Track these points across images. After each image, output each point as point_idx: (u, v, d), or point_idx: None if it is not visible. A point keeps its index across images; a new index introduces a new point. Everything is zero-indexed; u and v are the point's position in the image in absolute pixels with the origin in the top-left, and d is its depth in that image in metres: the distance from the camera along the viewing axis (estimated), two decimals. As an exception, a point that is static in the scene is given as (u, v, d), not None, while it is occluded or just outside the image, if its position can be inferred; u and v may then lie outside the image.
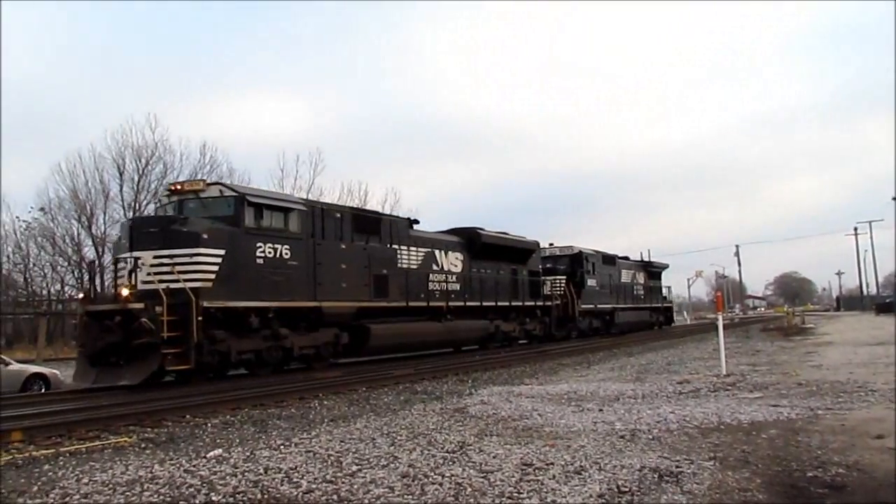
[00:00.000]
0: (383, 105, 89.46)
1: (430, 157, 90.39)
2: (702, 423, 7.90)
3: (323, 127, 77.60)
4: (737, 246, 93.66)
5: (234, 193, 15.41)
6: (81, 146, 51.00)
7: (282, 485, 5.54)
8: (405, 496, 5.10)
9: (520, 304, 25.81)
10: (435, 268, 21.86)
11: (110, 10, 78.33)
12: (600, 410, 9.19)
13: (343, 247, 17.66)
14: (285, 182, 45.63)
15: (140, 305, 13.48)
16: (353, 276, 17.79)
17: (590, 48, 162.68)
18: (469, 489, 5.20)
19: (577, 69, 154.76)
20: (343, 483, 5.51)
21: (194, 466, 6.38)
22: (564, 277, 30.48)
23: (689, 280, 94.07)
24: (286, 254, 15.87)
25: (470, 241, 23.94)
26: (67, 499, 5.37)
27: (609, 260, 35.45)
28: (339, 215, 18.31)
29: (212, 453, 6.99)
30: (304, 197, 21.40)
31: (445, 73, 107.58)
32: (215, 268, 14.33)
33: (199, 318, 13.81)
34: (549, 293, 29.00)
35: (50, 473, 6.35)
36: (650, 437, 7.14)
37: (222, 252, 14.45)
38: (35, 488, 5.73)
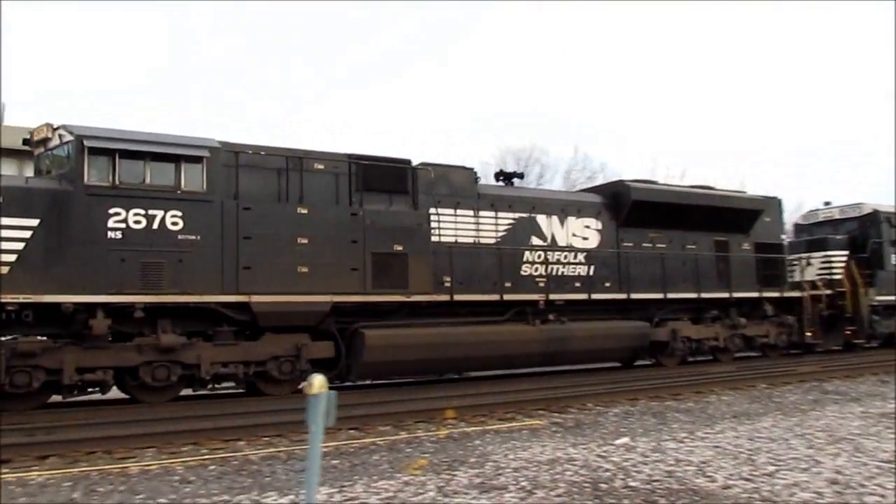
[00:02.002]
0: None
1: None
2: None
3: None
4: None
5: (69, 137, 10.63)
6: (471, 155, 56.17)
7: (696, 477, 5.64)
8: (838, 504, 5.13)
9: (725, 295, 16.46)
10: (537, 242, 14.57)
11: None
12: None
13: (303, 211, 11.80)
14: (656, 172, 45.66)
15: None
16: (323, 256, 11.85)
17: None
18: (923, 506, 4.96)
19: None
20: (762, 482, 5.44)
21: (605, 452, 6.84)
22: (844, 253, 19.60)
23: None
24: (174, 223, 10.77)
25: (615, 200, 15.84)
26: (500, 471, 6.06)
27: (949, 222, 23.29)
28: (317, 165, 12.31)
29: (619, 441, 7.36)
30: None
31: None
32: (17, 245, 9.85)
33: None
34: (810, 279, 18.82)
35: (480, 448, 7.31)
36: None
37: (34, 222, 10.00)
38: (472, 459, 6.69)
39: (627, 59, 79.48)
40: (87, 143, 10.48)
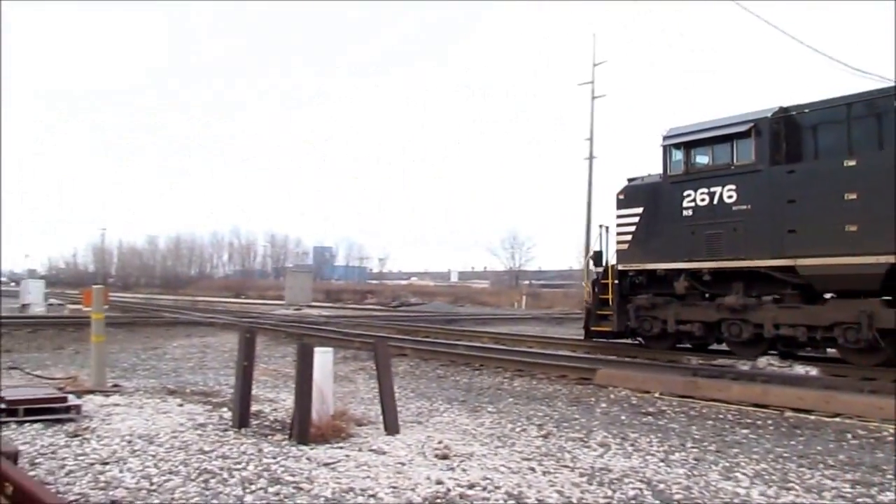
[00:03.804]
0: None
1: None
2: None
3: None
4: None
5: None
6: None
7: None
8: None
9: None
10: None
11: None
12: None
13: (851, 164, 10.79)
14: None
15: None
16: (876, 211, 10.43)
17: None
18: None
19: None
20: None
21: None
22: None
23: None
24: (730, 196, 12.22)
25: None
26: None
27: None
28: (871, 111, 10.97)
29: None
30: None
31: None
32: (631, 228, 13.79)
33: (615, 282, 13.94)
34: None
35: None
36: None
37: (640, 210, 13.64)
38: None
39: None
40: (666, 141, 13.33)
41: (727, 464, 5.60)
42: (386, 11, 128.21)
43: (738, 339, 12.34)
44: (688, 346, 13.83)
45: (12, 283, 67.93)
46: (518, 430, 6.90)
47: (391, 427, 6.31)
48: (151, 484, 4.50)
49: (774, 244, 11.54)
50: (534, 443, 6.27)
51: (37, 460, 5.02)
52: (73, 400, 6.78)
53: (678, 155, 12.93)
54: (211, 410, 7.25)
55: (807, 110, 11.91)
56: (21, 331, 16.77)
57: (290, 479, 4.73)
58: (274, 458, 5.27)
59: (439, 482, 4.75)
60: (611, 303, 13.91)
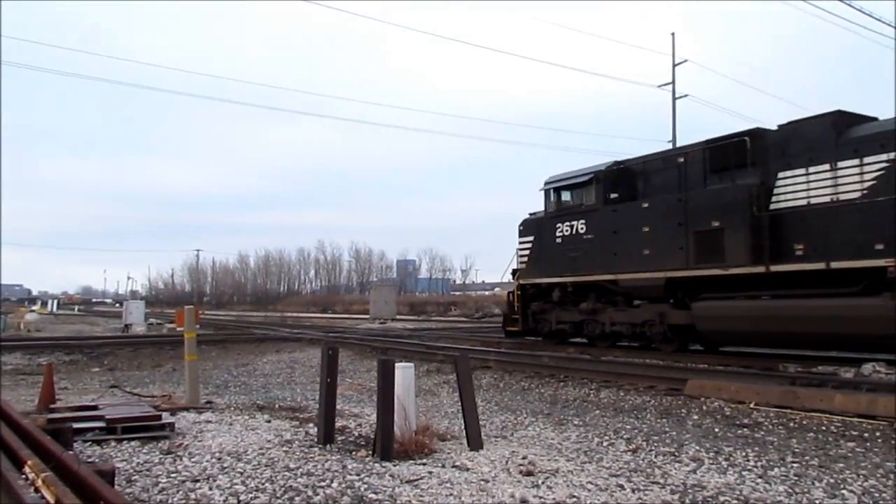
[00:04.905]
0: None
1: None
2: None
3: None
4: None
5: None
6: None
7: None
8: None
9: None
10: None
11: None
12: None
13: (645, 206, 12.89)
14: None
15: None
16: (659, 240, 12.58)
17: None
18: None
19: None
20: None
21: None
22: None
23: None
24: (581, 228, 14.57)
25: None
26: None
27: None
28: (666, 165, 14.06)
29: None
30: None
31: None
32: (527, 252, 17.05)
33: (519, 293, 16.65)
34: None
35: None
36: None
37: (532, 238, 16.29)
38: None
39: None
40: (545, 186, 15.22)
41: (832, 480, 4.25)
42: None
43: (594, 335, 14.68)
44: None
45: (116, 305, 72.28)
46: (605, 444, 5.39)
47: (474, 442, 4.77)
48: (238, 502, 3.57)
49: (606, 264, 13.46)
50: (622, 458, 4.89)
51: (133, 477, 4.01)
52: (167, 418, 5.26)
53: (553, 196, 14.98)
54: (297, 426, 5.79)
55: (623, 164, 14.44)
56: (123, 350, 14.82)
57: (373, 496, 3.63)
58: (357, 474, 4.12)
59: (524, 500, 3.64)
60: (516, 309, 16.02)
